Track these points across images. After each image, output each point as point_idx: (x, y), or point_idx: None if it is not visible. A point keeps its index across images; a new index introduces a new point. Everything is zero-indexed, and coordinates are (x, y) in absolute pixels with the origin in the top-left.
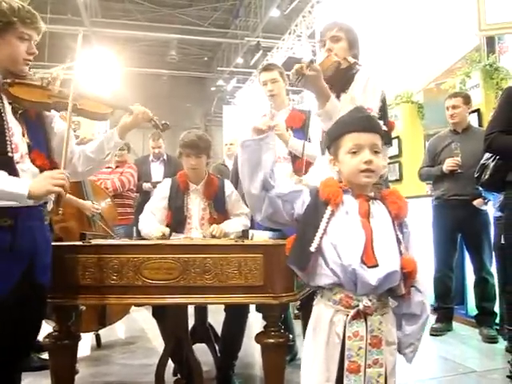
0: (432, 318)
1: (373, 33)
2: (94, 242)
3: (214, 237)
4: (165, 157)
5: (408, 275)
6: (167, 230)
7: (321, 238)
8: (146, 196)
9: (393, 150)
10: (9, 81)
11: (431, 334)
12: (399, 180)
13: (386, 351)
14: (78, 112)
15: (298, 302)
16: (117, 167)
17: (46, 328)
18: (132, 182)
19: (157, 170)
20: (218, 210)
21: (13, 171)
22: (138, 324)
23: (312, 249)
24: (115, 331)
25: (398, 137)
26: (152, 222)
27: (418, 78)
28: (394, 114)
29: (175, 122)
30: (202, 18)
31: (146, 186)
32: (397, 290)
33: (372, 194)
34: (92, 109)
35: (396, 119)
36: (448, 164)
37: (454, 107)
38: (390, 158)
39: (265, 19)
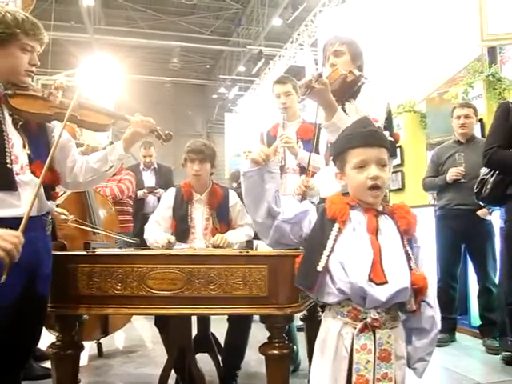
0: None
1: (375, 42)
2: (98, 251)
3: (217, 246)
4: (155, 165)
5: (418, 291)
6: (173, 238)
7: (328, 256)
8: (140, 204)
9: (395, 159)
10: (9, 92)
11: None
12: (401, 189)
13: (396, 365)
14: (78, 123)
15: (302, 314)
16: (114, 174)
17: (50, 337)
18: (131, 188)
19: (148, 178)
20: (221, 220)
21: (12, 183)
22: (138, 333)
23: (319, 268)
24: (115, 340)
25: (400, 146)
26: (157, 231)
27: (420, 88)
28: (396, 124)
29: (177, 129)
30: (204, 26)
31: (140, 193)
32: (407, 305)
33: (381, 209)
34: (93, 120)
35: (398, 128)
36: (451, 173)
37: (466, 117)
38: (393, 167)
39: (267, 28)
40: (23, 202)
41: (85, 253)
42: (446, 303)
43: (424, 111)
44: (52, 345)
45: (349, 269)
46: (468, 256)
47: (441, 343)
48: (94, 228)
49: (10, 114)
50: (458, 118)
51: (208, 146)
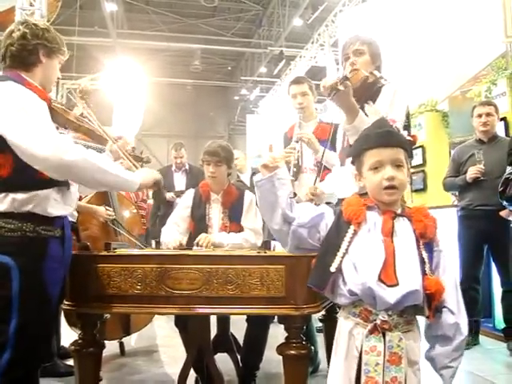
0: None
1: (396, 41)
2: (119, 251)
3: (198, 246)
4: (187, 167)
5: (432, 297)
6: (184, 240)
7: (342, 257)
8: (168, 206)
9: (417, 159)
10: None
11: None
12: (423, 189)
13: (409, 371)
14: (89, 134)
15: (321, 315)
16: None
17: (74, 335)
18: (145, 192)
19: (179, 180)
20: (233, 219)
21: (68, 183)
22: (161, 332)
23: (332, 269)
24: (138, 339)
25: (422, 146)
26: (171, 233)
27: (442, 87)
28: (417, 123)
29: (199, 131)
30: (225, 28)
31: (169, 195)
32: (422, 310)
33: (399, 211)
34: (98, 133)
35: (420, 128)
36: (471, 172)
37: (488, 115)
38: (414, 167)
39: (288, 28)
40: (71, 201)
41: (105, 253)
42: (468, 305)
43: (446, 110)
44: (74, 342)
45: (359, 269)
46: (491, 257)
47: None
48: (123, 230)
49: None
50: (480, 116)
51: (224, 148)
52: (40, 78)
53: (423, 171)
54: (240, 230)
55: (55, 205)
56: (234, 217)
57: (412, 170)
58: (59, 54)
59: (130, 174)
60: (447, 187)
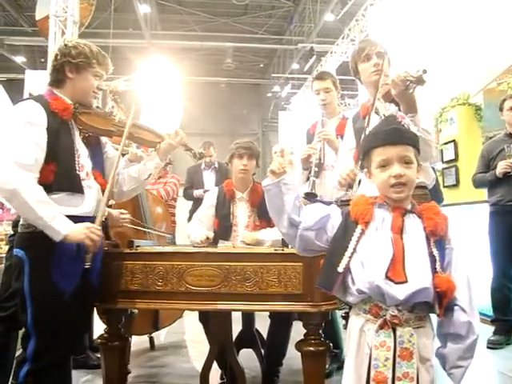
0: (490, 330)
1: (427, 34)
2: (141, 249)
3: (247, 244)
4: (216, 165)
5: (442, 294)
6: (211, 234)
7: (350, 257)
8: (197, 204)
9: (449, 154)
10: (79, 110)
11: (488, 347)
12: (456, 185)
13: (421, 368)
14: (135, 140)
15: (344, 312)
16: (159, 178)
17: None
18: (175, 191)
19: (209, 177)
20: (262, 217)
21: (79, 187)
22: (190, 328)
23: (340, 269)
24: (168, 334)
25: (454, 140)
26: (198, 228)
27: (475, 79)
28: (449, 117)
29: (233, 129)
30: (256, 26)
31: (197, 192)
32: (433, 307)
33: (409, 207)
34: (146, 137)
35: (452, 122)
36: (501, 166)
37: None
38: (446, 162)
39: (319, 24)
40: (86, 202)
41: (128, 250)
42: (500, 304)
43: (479, 104)
44: (100, 336)
45: (366, 267)
46: None
47: (496, 346)
48: (145, 228)
49: (78, 129)
50: (511, 109)
51: (255, 145)
52: (71, 92)
53: (455, 166)
54: (269, 227)
55: (65, 206)
56: (263, 214)
57: (444, 166)
58: (89, 67)
59: (58, 223)
60: (477, 184)
